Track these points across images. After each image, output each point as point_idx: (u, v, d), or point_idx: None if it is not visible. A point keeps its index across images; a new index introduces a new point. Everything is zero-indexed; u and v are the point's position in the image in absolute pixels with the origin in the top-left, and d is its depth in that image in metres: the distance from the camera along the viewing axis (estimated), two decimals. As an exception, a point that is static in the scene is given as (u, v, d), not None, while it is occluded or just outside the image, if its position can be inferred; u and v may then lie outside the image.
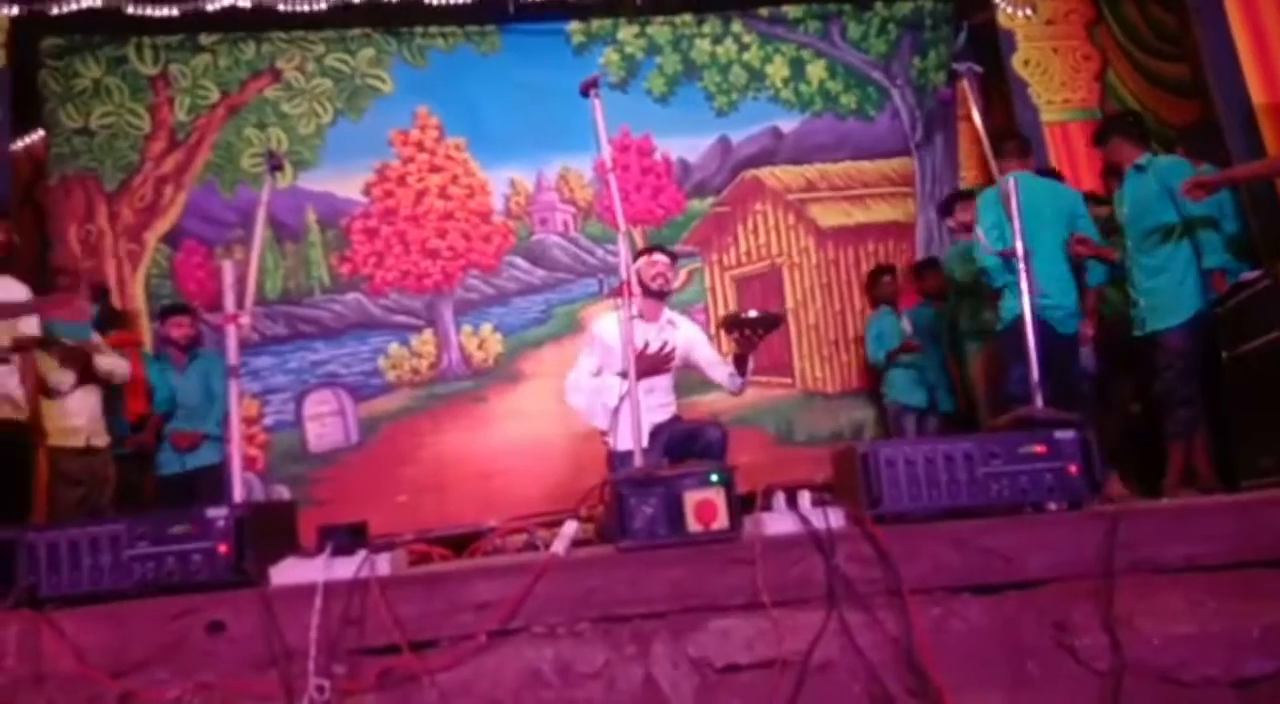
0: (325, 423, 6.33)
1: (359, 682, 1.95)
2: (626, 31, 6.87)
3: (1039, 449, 2.18)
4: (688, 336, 4.37)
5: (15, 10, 5.88)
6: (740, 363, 4.15)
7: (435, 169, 6.65)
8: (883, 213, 6.94)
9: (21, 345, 4.25)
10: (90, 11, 6.00)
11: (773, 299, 6.77)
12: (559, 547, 2.15)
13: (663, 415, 4.22)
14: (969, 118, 5.75)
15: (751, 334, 3.98)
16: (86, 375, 4.79)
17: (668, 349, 4.12)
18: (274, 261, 6.38)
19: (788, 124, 6.94)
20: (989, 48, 6.67)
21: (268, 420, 6.27)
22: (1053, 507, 2.22)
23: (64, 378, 4.65)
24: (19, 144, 6.06)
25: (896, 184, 6.97)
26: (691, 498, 2.11)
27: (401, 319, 6.51)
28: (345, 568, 2.01)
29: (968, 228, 5.35)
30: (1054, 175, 5.30)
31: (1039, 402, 2.70)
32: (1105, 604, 1.99)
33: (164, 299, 6.10)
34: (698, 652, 2.00)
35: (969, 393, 5.78)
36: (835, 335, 6.80)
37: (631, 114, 6.72)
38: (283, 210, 6.33)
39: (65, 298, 4.60)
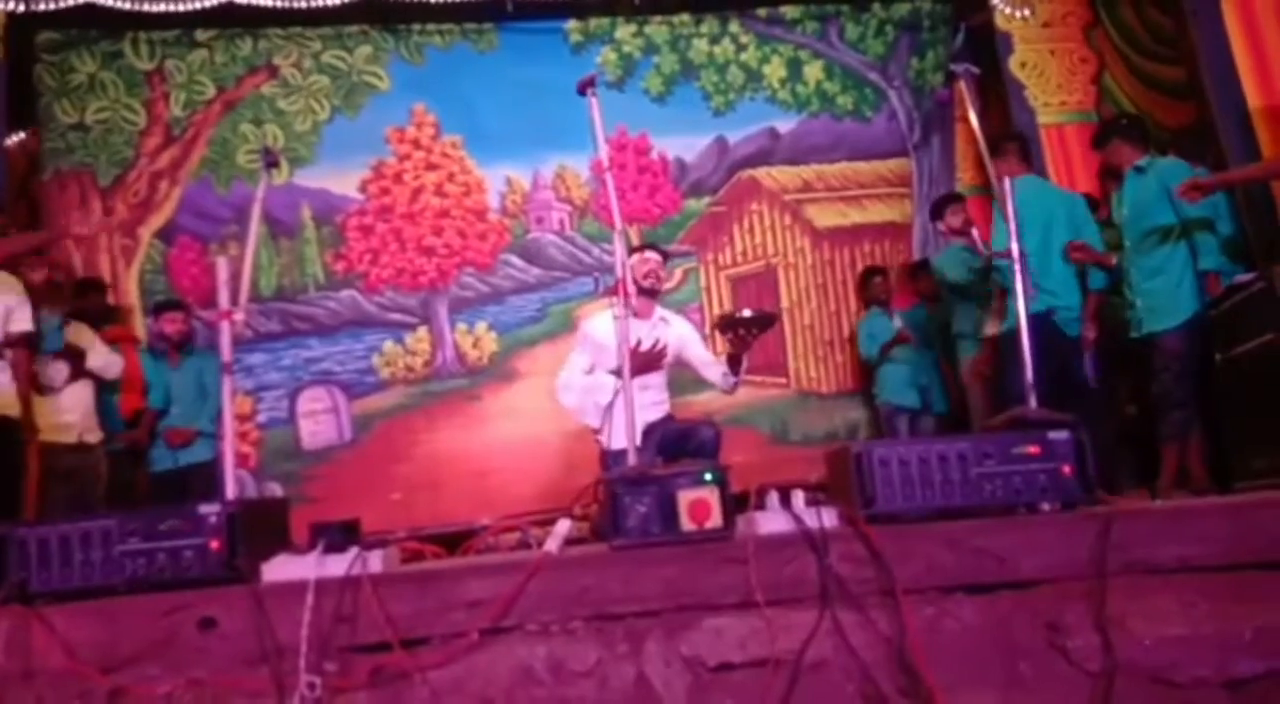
0: (319, 420, 6.31)
1: (350, 679, 1.94)
2: (624, 31, 6.87)
3: (1032, 450, 2.18)
4: (680, 334, 4.37)
5: (11, 5, 5.86)
6: (734, 362, 4.15)
7: (431, 167, 6.64)
8: (879, 213, 6.96)
9: (13, 341, 4.24)
10: (86, 6, 5.99)
11: (768, 299, 6.77)
12: (552, 545, 2.15)
13: (656, 414, 4.22)
14: (966, 119, 5.75)
15: (746, 333, 3.98)
16: (79, 371, 4.78)
17: (660, 346, 4.12)
18: (269, 258, 6.37)
19: (784, 124, 6.95)
20: (986, 49, 6.68)
21: (261, 417, 6.25)
22: (1046, 507, 2.22)
23: (56, 374, 4.65)
24: (13, 139, 6.04)
25: (893, 185, 6.99)
26: (685, 497, 2.11)
27: (396, 317, 6.49)
28: (337, 565, 2.00)
29: (956, 231, 5.36)
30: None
31: (1033, 402, 2.70)
32: (1098, 605, 2.00)
33: (158, 295, 6.09)
34: (691, 650, 1.99)
35: (962, 394, 5.79)
36: (830, 336, 6.81)
37: (628, 113, 6.71)
38: (278, 207, 6.31)
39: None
